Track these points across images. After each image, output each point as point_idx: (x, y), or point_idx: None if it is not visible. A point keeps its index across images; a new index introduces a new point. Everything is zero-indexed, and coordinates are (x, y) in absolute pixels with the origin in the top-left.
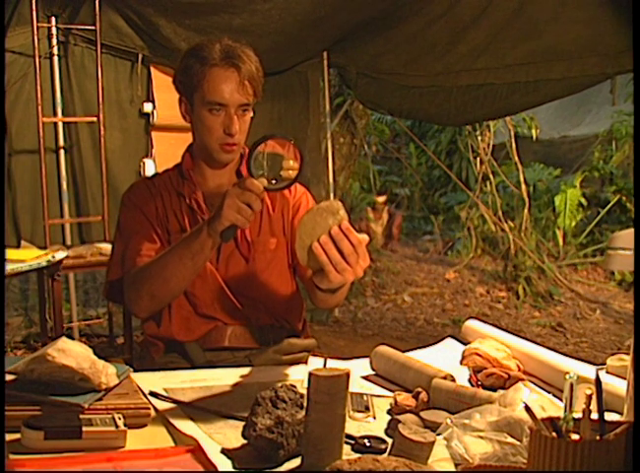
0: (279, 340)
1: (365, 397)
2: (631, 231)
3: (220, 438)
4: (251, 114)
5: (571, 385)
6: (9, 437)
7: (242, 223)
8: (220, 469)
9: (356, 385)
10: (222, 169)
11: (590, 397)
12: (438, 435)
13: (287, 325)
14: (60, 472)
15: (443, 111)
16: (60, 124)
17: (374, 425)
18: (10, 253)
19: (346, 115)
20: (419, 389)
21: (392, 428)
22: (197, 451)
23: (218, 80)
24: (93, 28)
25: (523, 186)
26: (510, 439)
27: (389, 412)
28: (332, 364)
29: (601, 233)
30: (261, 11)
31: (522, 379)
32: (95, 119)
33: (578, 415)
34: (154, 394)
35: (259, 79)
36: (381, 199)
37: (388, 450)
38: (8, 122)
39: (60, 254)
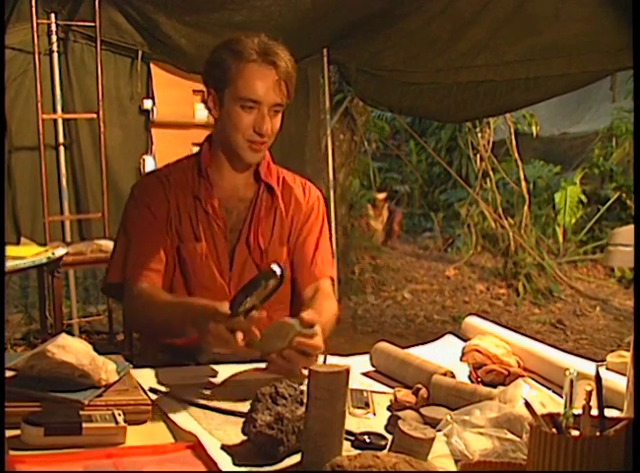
0: None
1: (365, 394)
2: (631, 227)
3: (220, 434)
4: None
5: (571, 382)
6: (9, 433)
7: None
8: (219, 465)
9: (356, 382)
10: (242, 170)
11: (590, 394)
12: (438, 431)
13: None
14: (60, 471)
15: (443, 108)
16: (60, 121)
17: (374, 421)
18: (10, 250)
19: (346, 112)
20: (419, 386)
21: (392, 424)
22: (197, 448)
23: (254, 76)
24: (92, 24)
25: (523, 183)
26: (510, 436)
27: (389, 408)
28: (332, 360)
29: (601, 230)
30: (261, 7)
31: (522, 376)
32: (94, 116)
33: (578, 411)
34: (154, 391)
35: (293, 80)
36: (381, 196)
37: (388, 447)
38: (8, 119)
39: (60, 251)
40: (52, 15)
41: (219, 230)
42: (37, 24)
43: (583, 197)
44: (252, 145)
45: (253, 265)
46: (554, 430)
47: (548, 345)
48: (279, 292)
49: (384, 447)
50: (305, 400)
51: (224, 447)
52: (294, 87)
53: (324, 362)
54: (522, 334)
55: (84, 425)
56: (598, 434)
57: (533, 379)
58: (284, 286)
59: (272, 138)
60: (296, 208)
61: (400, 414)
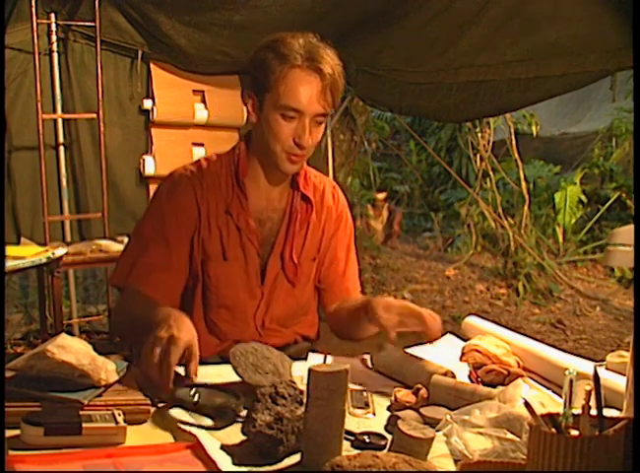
0: (294, 352)
1: (365, 394)
2: (631, 227)
3: (219, 434)
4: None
5: (571, 382)
6: (9, 433)
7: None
8: (219, 465)
9: (357, 382)
10: (277, 181)
11: (589, 393)
12: (438, 431)
13: (305, 343)
14: (60, 471)
15: (443, 108)
16: (60, 121)
17: (374, 421)
18: (10, 250)
19: (345, 112)
20: (419, 386)
21: (391, 424)
22: (196, 448)
23: (297, 83)
24: (92, 24)
25: (523, 183)
26: (510, 436)
27: (389, 408)
28: (332, 360)
29: (600, 230)
30: (261, 7)
31: (521, 376)
32: (94, 116)
33: (577, 411)
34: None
35: (340, 87)
36: (381, 196)
37: (387, 446)
38: (8, 119)
39: (60, 251)
40: (52, 15)
41: (251, 246)
42: (37, 24)
43: (583, 197)
44: (291, 156)
45: (285, 280)
46: (554, 429)
47: (548, 345)
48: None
49: (384, 447)
50: (305, 400)
51: (223, 447)
52: (341, 94)
53: (324, 361)
54: (522, 334)
55: (84, 425)
56: (597, 433)
57: (532, 379)
58: (311, 302)
59: (312, 149)
60: (328, 216)
61: (400, 414)
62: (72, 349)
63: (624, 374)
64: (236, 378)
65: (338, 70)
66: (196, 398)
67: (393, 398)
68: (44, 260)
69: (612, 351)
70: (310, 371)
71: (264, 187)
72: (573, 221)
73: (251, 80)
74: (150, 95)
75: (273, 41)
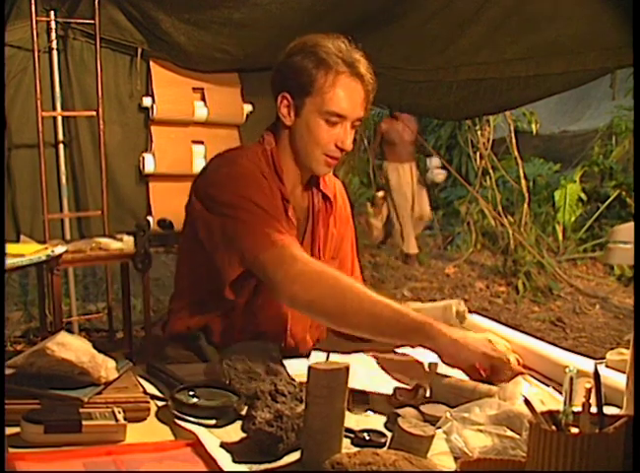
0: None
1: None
2: (631, 224)
3: (219, 431)
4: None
5: (571, 379)
6: (9, 431)
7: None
8: (219, 463)
9: (356, 379)
10: (305, 182)
11: (589, 391)
12: (438, 428)
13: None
14: (60, 470)
15: (443, 106)
16: (59, 118)
17: (374, 418)
18: (9, 248)
19: None
20: (419, 383)
21: (391, 421)
22: (196, 445)
23: (344, 91)
24: (92, 22)
25: (523, 181)
26: (509, 433)
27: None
28: (332, 357)
29: (600, 228)
30: (261, 5)
31: (521, 373)
32: (94, 114)
33: (577, 409)
34: (153, 397)
35: (374, 90)
36: (380, 194)
37: (387, 444)
38: (7, 117)
39: (59, 249)
40: (52, 12)
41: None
42: (37, 21)
43: (583, 195)
44: (328, 159)
45: None
46: (554, 427)
47: (548, 343)
48: None
49: (384, 445)
50: (305, 397)
51: (223, 445)
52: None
53: (327, 359)
54: (521, 332)
55: (83, 422)
56: (597, 431)
57: (532, 377)
58: None
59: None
60: (339, 215)
61: (400, 411)
62: (72, 346)
63: (624, 372)
64: None
65: (372, 73)
66: (196, 399)
67: (393, 396)
68: (44, 258)
69: (612, 349)
70: (310, 368)
71: (293, 185)
72: (573, 219)
73: (284, 82)
74: (149, 92)
75: (309, 46)
